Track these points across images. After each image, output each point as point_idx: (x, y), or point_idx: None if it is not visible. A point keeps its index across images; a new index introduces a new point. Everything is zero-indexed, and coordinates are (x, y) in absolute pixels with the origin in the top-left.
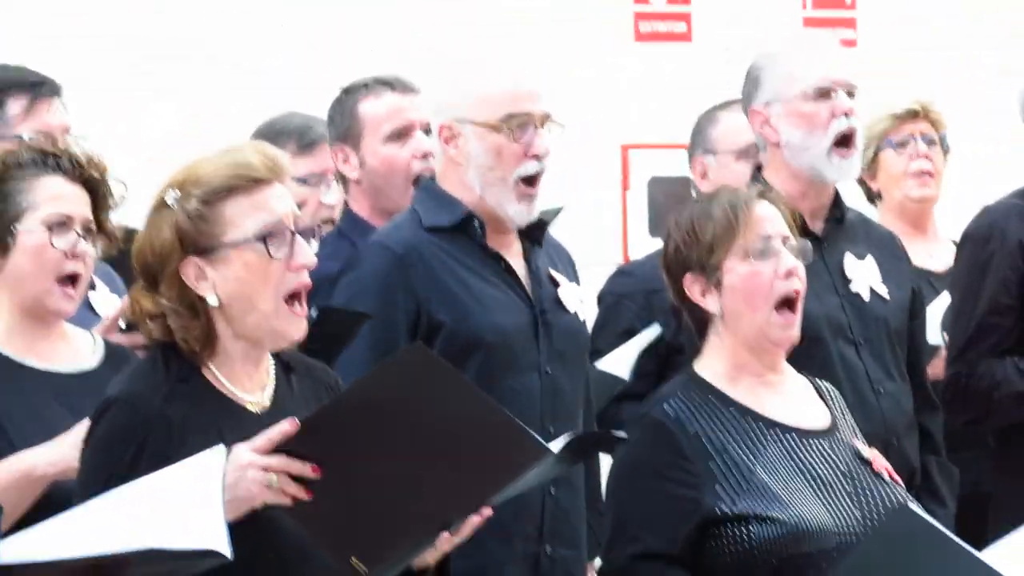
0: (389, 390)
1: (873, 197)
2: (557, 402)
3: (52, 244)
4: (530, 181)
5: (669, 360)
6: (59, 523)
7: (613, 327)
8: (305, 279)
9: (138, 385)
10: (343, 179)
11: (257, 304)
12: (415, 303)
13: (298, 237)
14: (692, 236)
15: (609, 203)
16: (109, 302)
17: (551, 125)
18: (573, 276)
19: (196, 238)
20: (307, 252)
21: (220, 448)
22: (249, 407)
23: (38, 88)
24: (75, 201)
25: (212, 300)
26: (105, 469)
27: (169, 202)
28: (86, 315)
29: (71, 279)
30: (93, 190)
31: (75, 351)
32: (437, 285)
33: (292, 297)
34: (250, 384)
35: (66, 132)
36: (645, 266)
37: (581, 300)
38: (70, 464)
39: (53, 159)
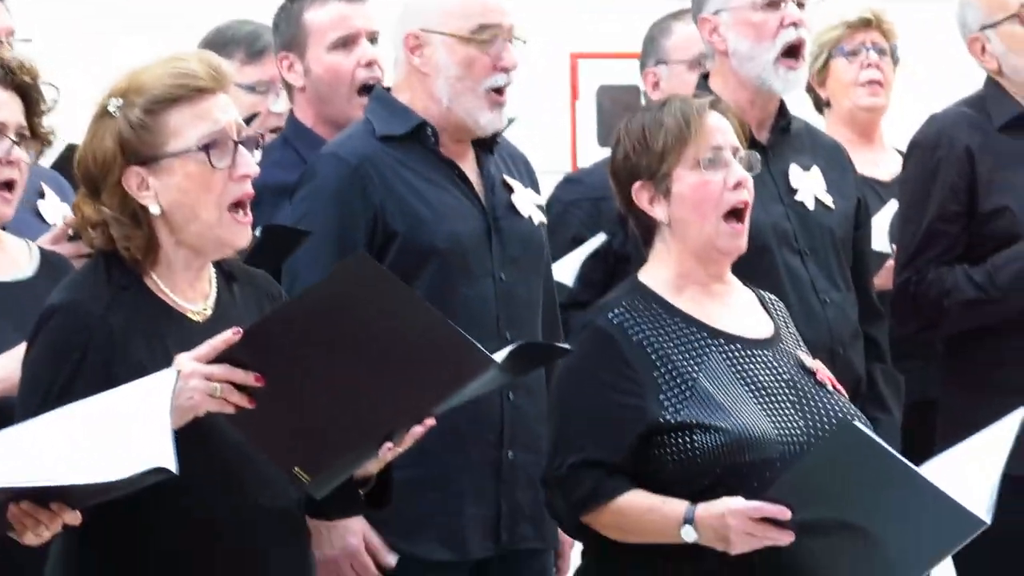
0: (333, 299)
1: (821, 105)
2: (512, 308)
3: None
4: (499, 90)
5: (616, 269)
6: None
7: (561, 234)
8: (248, 189)
9: (79, 293)
10: (288, 87)
11: (200, 213)
12: (372, 212)
13: (241, 147)
14: (642, 144)
15: (558, 112)
16: (58, 210)
17: (515, 39)
18: (530, 182)
19: (138, 148)
20: (249, 162)
21: (173, 370)
22: (191, 316)
23: None
24: (8, 107)
25: (154, 209)
26: (47, 376)
27: (111, 111)
28: (35, 223)
29: (7, 185)
30: (25, 95)
31: (11, 260)
32: (392, 194)
33: (236, 205)
34: (192, 293)
35: (10, 35)
36: (593, 174)
37: (538, 205)
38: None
39: None
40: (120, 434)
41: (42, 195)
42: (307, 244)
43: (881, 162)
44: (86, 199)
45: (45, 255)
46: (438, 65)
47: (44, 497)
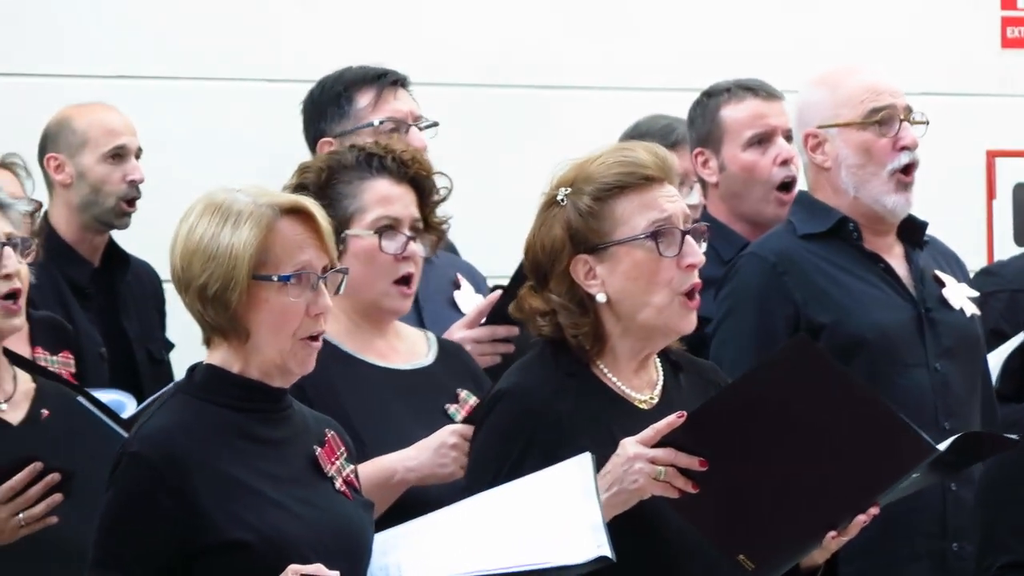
0: (775, 383)
1: None
2: (950, 398)
3: (382, 249)
4: (905, 170)
5: None
6: (431, 528)
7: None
8: (695, 278)
9: (527, 378)
10: (702, 182)
11: (649, 300)
12: (793, 308)
13: (688, 236)
14: None
15: (974, 210)
16: (473, 301)
17: (914, 119)
18: (962, 278)
19: (586, 235)
20: (696, 251)
21: (587, 455)
22: (638, 404)
23: (383, 79)
24: (402, 202)
25: (601, 298)
26: (495, 460)
27: (560, 199)
28: (451, 314)
29: (404, 280)
30: (419, 187)
31: (410, 348)
32: (813, 289)
33: (684, 294)
34: (638, 381)
35: (416, 119)
36: (1009, 266)
37: (971, 298)
38: (431, 471)
39: (378, 160)
40: (549, 522)
41: (458, 286)
42: (730, 342)
43: None
44: (531, 291)
45: (442, 344)
46: (838, 157)
47: None
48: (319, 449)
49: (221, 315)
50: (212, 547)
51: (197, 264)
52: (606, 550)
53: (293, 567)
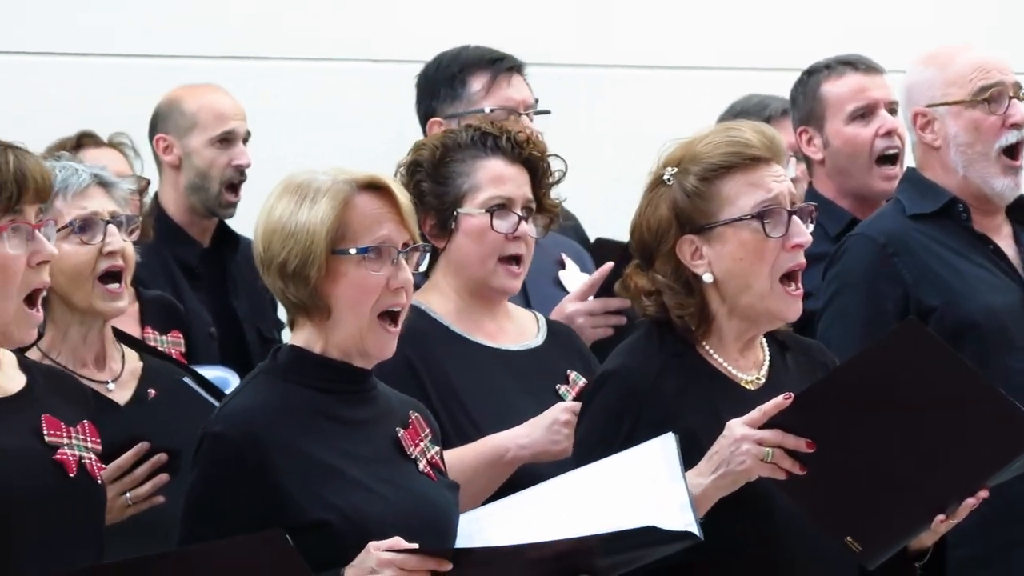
0: (883, 366)
1: None
2: None
3: (493, 227)
4: (1011, 152)
5: None
6: (516, 508)
7: None
8: (800, 259)
9: (633, 359)
10: (807, 160)
11: (752, 283)
12: (902, 290)
13: (794, 217)
14: None
15: None
16: (578, 280)
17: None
18: None
19: (692, 215)
20: (803, 232)
21: (670, 435)
22: (744, 384)
23: (498, 64)
24: (515, 182)
25: (707, 278)
26: (602, 442)
27: (666, 179)
28: (557, 294)
29: (514, 259)
30: (533, 169)
31: (520, 329)
32: (923, 271)
33: (787, 277)
34: (744, 362)
35: (528, 108)
36: None
37: None
38: (544, 448)
39: (492, 140)
40: (636, 500)
41: (562, 265)
42: (838, 323)
43: None
44: (638, 270)
45: (552, 326)
46: (947, 136)
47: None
48: (402, 430)
49: (302, 291)
50: (294, 526)
51: (277, 242)
52: (694, 528)
53: (373, 543)
